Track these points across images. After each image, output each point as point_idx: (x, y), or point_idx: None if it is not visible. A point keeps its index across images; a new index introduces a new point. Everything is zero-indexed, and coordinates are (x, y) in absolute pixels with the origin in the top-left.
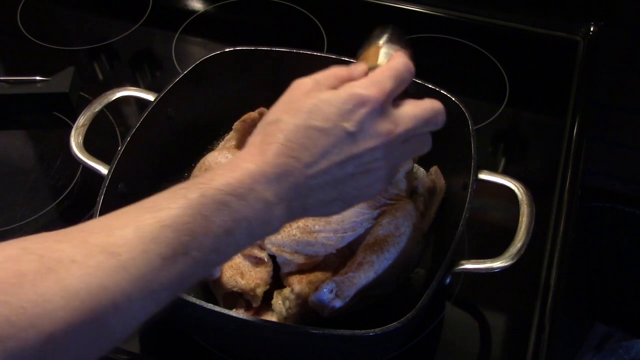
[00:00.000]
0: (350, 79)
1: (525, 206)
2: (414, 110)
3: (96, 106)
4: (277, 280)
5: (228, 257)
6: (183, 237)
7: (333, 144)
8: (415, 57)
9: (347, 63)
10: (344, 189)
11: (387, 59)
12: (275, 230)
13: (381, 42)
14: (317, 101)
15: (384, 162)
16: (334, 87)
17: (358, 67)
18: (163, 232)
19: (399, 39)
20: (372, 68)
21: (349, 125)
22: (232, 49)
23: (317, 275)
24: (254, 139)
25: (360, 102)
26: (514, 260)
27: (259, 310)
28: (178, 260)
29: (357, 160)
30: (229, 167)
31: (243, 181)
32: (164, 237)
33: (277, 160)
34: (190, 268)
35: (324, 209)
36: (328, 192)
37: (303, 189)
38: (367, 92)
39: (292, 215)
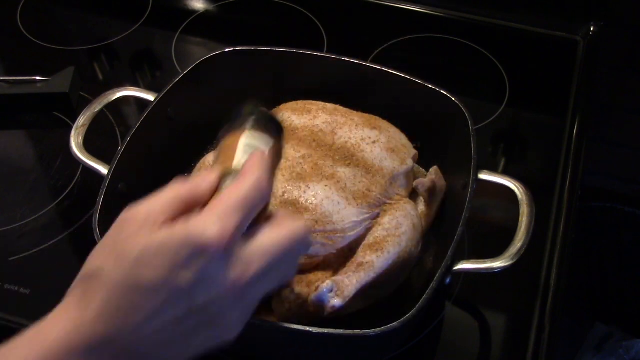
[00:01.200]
0: (194, 202)
1: (525, 206)
2: (269, 241)
3: (96, 106)
4: None
5: None
6: None
7: (165, 301)
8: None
9: (347, 63)
10: (188, 343)
11: (246, 158)
12: None
13: (243, 128)
14: (145, 247)
15: (236, 307)
16: (173, 218)
17: (205, 181)
18: None
19: (267, 124)
20: (225, 174)
21: (184, 280)
22: (232, 49)
23: (317, 275)
24: (73, 291)
25: (198, 250)
26: (514, 260)
27: (258, 311)
28: None
29: (198, 314)
30: (34, 337)
31: (48, 358)
32: None
33: (96, 326)
34: None
35: None
36: (168, 350)
37: (133, 354)
38: (207, 235)
39: None
